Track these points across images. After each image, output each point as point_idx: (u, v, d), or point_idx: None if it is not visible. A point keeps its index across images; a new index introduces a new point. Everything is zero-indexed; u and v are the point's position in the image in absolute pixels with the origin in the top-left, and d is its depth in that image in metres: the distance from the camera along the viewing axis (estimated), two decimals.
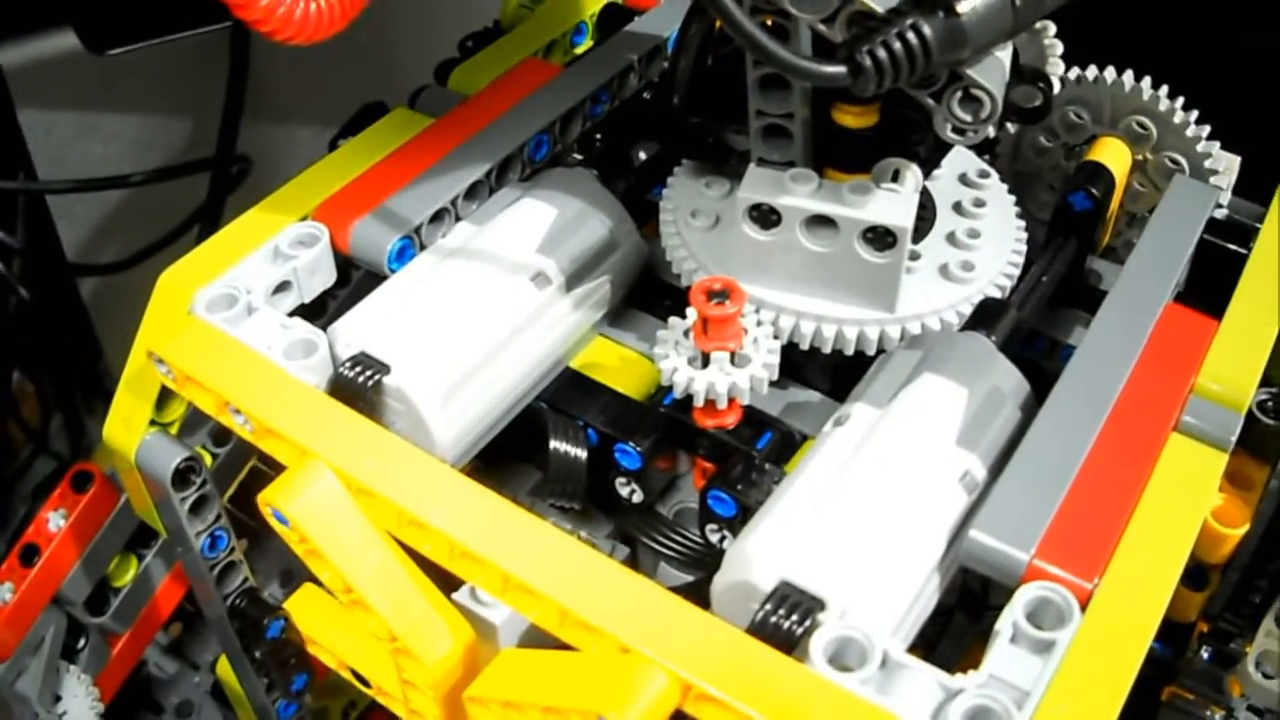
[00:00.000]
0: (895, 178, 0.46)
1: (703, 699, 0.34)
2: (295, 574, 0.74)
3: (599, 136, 0.60)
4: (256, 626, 0.51)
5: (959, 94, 0.41)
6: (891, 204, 0.45)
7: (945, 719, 0.33)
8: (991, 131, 0.47)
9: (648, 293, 0.54)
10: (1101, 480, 0.39)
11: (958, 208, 0.50)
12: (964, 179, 0.52)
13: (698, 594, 0.52)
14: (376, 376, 0.44)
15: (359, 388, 0.44)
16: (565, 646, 0.37)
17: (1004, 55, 0.42)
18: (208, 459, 0.54)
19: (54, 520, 0.59)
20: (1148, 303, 0.46)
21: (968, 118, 0.42)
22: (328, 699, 0.64)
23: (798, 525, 0.38)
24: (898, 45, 0.38)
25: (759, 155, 0.48)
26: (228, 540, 0.51)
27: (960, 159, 0.52)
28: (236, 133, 0.76)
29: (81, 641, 0.63)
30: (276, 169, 0.80)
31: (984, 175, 0.52)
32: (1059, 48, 0.50)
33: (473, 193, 0.51)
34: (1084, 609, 0.36)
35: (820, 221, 0.45)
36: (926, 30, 0.38)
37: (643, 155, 0.60)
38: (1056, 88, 0.49)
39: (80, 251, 0.81)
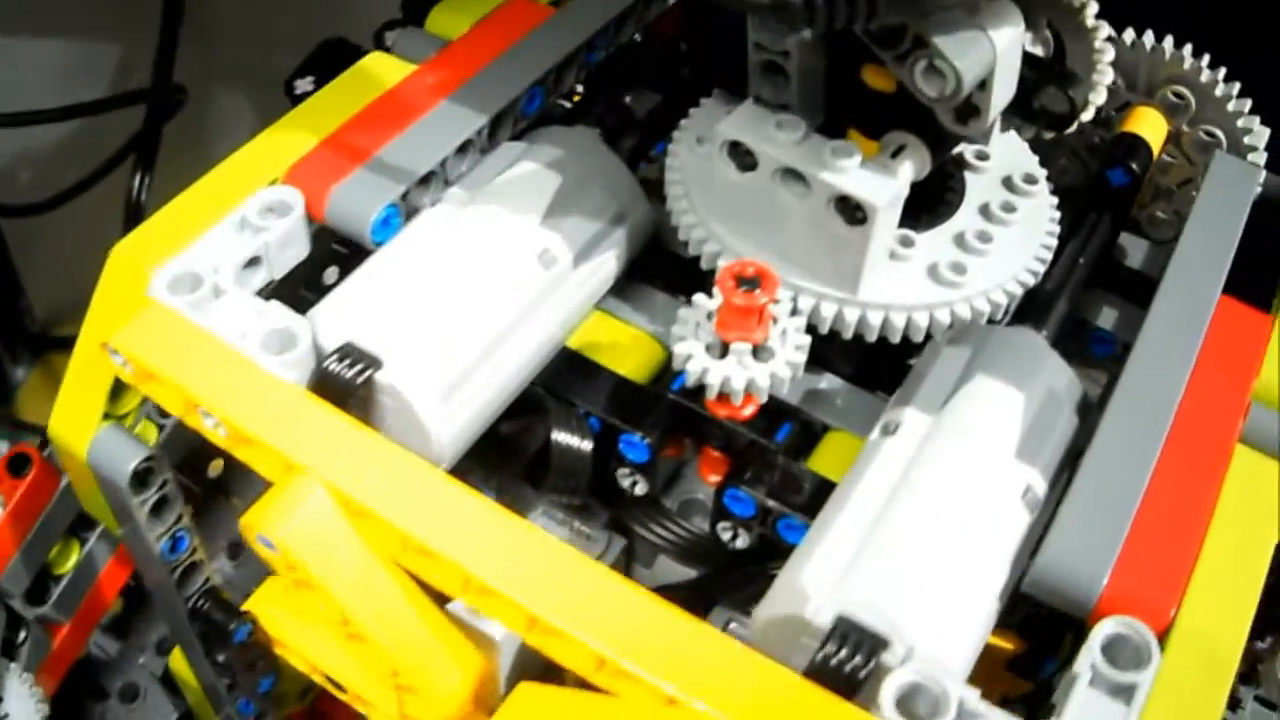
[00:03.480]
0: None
1: None
2: (243, 547, 0.69)
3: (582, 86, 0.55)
4: (221, 631, 0.47)
5: (923, 63, 0.38)
6: (873, 178, 0.40)
7: None
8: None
9: (650, 263, 0.49)
10: (1170, 500, 0.37)
11: (984, 210, 0.46)
12: (1008, 182, 0.47)
13: (698, 589, 0.49)
14: (367, 372, 0.39)
15: (347, 384, 0.39)
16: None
17: (1002, 37, 0.38)
18: (153, 432, 0.48)
19: None
20: (1201, 298, 0.43)
21: (931, 92, 0.38)
22: (285, 684, 0.60)
23: (854, 553, 0.35)
24: None
25: (755, 92, 0.44)
26: (189, 541, 0.46)
27: (1015, 158, 0.47)
28: (173, 62, 0.69)
29: (21, 635, 0.57)
30: (213, 101, 0.73)
31: (1030, 181, 0.46)
32: (1109, 54, 0.45)
33: (463, 152, 0.46)
34: (1161, 640, 0.34)
35: (795, 176, 0.41)
36: None
37: (636, 107, 0.55)
38: (1101, 98, 0.45)
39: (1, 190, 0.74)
